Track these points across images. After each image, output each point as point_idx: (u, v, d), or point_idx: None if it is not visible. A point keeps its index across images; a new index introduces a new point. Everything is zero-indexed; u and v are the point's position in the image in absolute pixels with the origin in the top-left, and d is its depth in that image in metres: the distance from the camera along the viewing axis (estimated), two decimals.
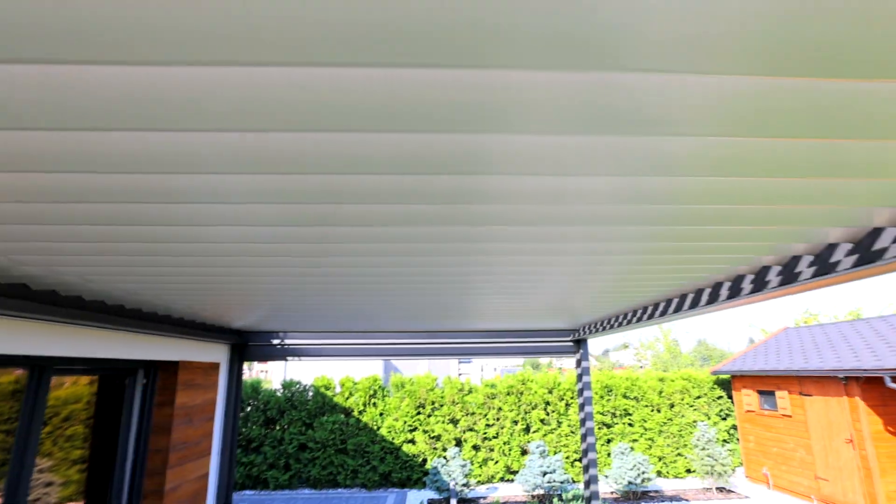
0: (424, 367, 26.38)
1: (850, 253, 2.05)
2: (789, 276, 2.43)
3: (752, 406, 10.80)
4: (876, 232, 1.91)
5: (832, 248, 2.14)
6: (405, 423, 11.09)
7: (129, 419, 4.52)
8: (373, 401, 11.33)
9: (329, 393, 11.41)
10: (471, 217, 2.04)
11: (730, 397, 11.88)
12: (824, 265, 2.21)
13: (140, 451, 4.52)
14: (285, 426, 11.02)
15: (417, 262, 2.91)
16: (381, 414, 11.20)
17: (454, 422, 11.20)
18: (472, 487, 9.79)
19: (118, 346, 3.95)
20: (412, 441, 11.02)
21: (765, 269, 2.62)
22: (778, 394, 10.00)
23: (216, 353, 5.92)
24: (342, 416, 11.12)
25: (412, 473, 10.73)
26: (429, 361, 26.42)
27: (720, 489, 10.06)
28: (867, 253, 1.94)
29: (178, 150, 1.23)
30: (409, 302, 4.44)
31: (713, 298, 3.22)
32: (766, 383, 10.40)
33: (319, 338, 6.45)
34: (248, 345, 6.38)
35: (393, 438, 10.94)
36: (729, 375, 11.71)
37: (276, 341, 6.44)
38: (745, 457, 10.96)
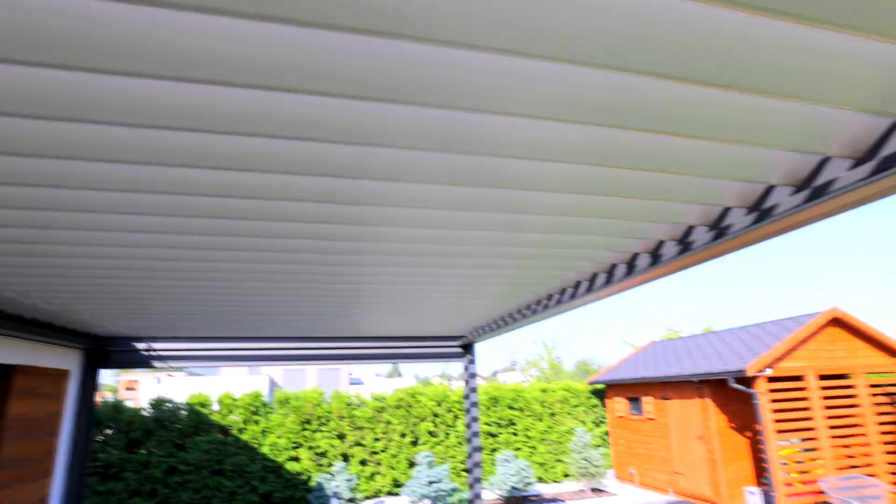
0: (313, 383, 25.38)
1: (707, 231, 2.31)
2: (655, 258, 2.72)
3: (622, 412, 11.91)
4: (727, 210, 2.16)
5: (690, 229, 2.40)
6: (289, 439, 10.58)
7: None
8: (254, 418, 10.67)
9: (205, 411, 10.54)
10: (354, 218, 2.17)
11: (604, 405, 12.99)
12: (686, 246, 2.46)
13: None
14: (152, 448, 9.94)
15: (304, 268, 2.92)
16: (263, 431, 10.57)
17: (341, 437, 10.92)
18: (358, 502, 9.57)
19: None
20: (296, 458, 10.52)
21: (634, 256, 2.92)
22: (644, 399, 11.16)
23: (66, 359, 5.26)
24: (219, 435, 10.33)
25: (295, 492, 10.22)
26: (318, 378, 25.44)
27: (593, 490, 10.88)
28: (720, 230, 2.20)
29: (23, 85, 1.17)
30: (295, 309, 4.33)
31: (590, 288, 3.47)
32: (635, 390, 11.56)
33: (194, 343, 5.96)
34: (108, 350, 5.71)
35: (275, 456, 10.37)
36: (603, 385, 12.83)
37: (141, 346, 5.83)
38: (616, 458, 12.01)
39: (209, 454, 10.05)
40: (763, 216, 1.89)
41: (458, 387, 12.83)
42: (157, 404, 10.41)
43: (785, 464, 8.14)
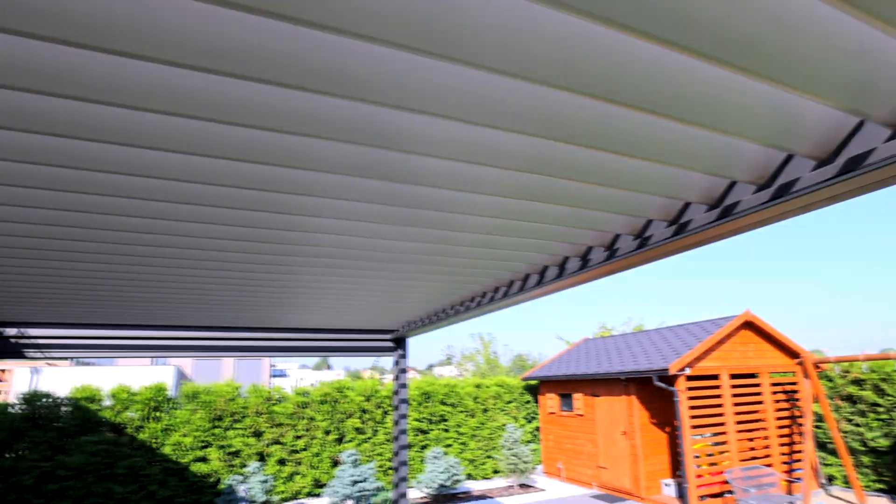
0: (229, 374, 24.51)
1: (633, 240, 2.52)
2: (584, 262, 2.94)
3: (553, 409, 12.58)
4: (650, 222, 2.39)
5: (617, 237, 2.63)
6: (197, 438, 10.20)
7: None
8: (155, 414, 10.17)
9: (94, 406, 9.88)
10: (268, 205, 2.18)
11: (537, 401, 13.64)
12: (611, 253, 2.69)
13: None
14: (22, 452, 9.16)
15: (214, 254, 2.83)
16: (164, 429, 10.11)
17: (258, 434, 10.69)
18: None
19: None
20: (204, 459, 10.18)
21: (565, 259, 3.17)
22: (574, 396, 11.84)
23: None
24: (110, 434, 9.72)
25: (201, 496, 9.89)
26: (235, 369, 24.61)
27: (521, 485, 11.46)
28: (643, 240, 2.41)
29: None
30: (209, 297, 4.17)
31: (522, 288, 3.71)
32: (566, 387, 12.24)
33: (82, 330, 5.53)
34: None
35: (179, 457, 9.96)
36: (536, 381, 13.45)
37: (10, 332, 5.32)
38: (545, 454, 12.71)
39: (96, 456, 9.44)
40: (680, 230, 2.12)
41: (390, 381, 12.91)
42: (31, 399, 9.57)
43: (697, 457, 9.03)
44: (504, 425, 12.85)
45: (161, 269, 3.24)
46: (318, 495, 10.81)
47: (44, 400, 9.66)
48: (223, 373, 24.42)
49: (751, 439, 9.82)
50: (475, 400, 12.96)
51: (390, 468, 11.29)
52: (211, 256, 2.95)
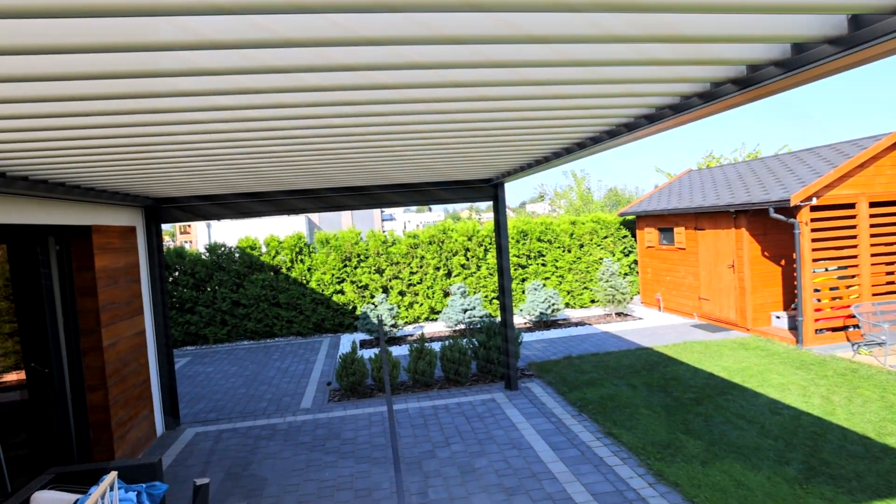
0: (347, 223, 26.56)
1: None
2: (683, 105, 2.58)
3: (652, 242, 11.92)
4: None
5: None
6: (333, 275, 11.42)
7: (49, 285, 4.61)
8: (300, 257, 11.42)
9: (255, 253, 11.32)
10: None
11: (634, 236, 13.00)
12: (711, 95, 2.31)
13: (69, 314, 4.74)
14: (215, 287, 11.07)
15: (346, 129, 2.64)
16: (308, 269, 11.40)
17: (380, 272, 11.66)
18: (399, 327, 10.59)
19: (22, 212, 3.81)
20: (341, 291, 11.48)
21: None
22: (675, 230, 11.01)
23: (130, 217, 5.79)
24: (271, 273, 11.24)
25: (344, 319, 11.40)
26: (352, 218, 26.53)
27: (619, 314, 11.54)
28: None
29: None
30: (336, 167, 4.29)
31: (611, 135, 3.45)
32: (666, 221, 11.36)
33: (242, 199, 6.22)
34: (163, 207, 6.13)
35: (322, 290, 11.34)
36: (634, 216, 12.65)
37: (195, 203, 6.19)
38: (643, 286, 12.44)
39: (264, 290, 11.10)
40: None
41: (486, 220, 12.99)
42: (213, 249, 11.23)
43: (818, 290, 8.10)
44: (600, 259, 12.60)
45: (294, 149, 3.29)
46: (434, 320, 11.90)
47: (221, 249, 11.29)
48: (343, 219, 26.44)
49: (890, 272, 8.46)
50: (570, 236, 12.66)
51: (494, 298, 11.90)
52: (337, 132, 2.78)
